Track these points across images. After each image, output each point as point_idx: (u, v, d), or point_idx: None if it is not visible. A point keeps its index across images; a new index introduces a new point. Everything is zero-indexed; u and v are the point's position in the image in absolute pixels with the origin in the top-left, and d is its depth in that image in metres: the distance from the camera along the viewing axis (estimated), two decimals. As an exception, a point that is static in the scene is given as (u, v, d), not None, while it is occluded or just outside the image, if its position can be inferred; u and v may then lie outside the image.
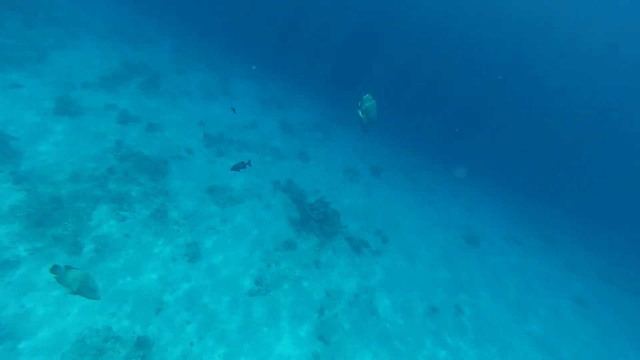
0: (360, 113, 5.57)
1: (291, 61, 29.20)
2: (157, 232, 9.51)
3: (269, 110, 18.95)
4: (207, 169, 12.50)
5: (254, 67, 16.40)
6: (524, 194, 26.83)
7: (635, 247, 24.79)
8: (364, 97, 5.43)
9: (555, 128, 38.18)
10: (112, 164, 10.65)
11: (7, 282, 7.32)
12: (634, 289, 18.56)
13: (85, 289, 4.63)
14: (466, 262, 14.31)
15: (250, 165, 7.64)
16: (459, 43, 38.95)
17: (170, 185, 11.04)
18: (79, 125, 11.81)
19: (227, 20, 32.69)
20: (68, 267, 4.67)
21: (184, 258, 9.23)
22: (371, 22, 39.60)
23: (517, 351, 10.96)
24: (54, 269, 4.59)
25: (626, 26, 29.38)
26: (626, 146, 37.32)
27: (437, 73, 39.70)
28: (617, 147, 37.84)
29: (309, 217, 11.85)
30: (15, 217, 8.31)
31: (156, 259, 8.89)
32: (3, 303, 6.97)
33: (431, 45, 40.31)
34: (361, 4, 38.07)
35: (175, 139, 13.14)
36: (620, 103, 35.84)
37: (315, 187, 14.32)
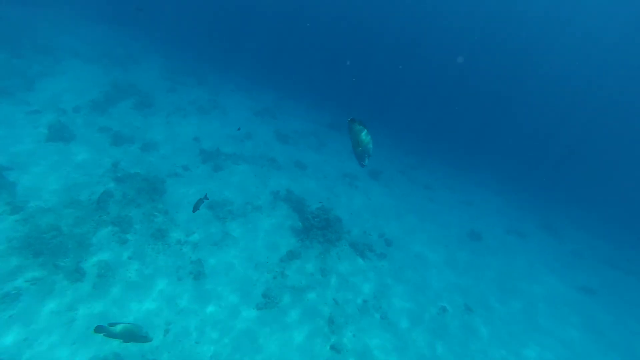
0: (358, 150, 4.52)
1: (280, 71, 29.32)
2: (160, 252, 9.41)
3: (263, 121, 18.96)
4: (206, 184, 12.42)
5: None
6: (523, 185, 26.90)
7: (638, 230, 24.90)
8: (353, 127, 4.51)
9: (551, 116, 38.52)
10: (110, 186, 10.55)
11: (9, 315, 7.18)
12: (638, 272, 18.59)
13: (137, 338, 4.84)
14: (471, 259, 14.25)
15: (207, 198, 7.42)
16: (452, 39, 39.39)
17: (170, 204, 10.95)
18: (73, 151, 11.72)
19: (213, 34, 32.84)
20: (112, 324, 4.87)
21: (189, 276, 9.12)
22: (362, 23, 39.92)
23: (530, 344, 10.88)
24: (99, 329, 4.76)
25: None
26: (627, 130, 37.60)
27: (429, 71, 40.01)
28: (617, 132, 38.13)
29: (312, 225, 11.78)
30: (14, 248, 8.18)
31: (161, 279, 8.77)
32: (6, 337, 6.82)
33: (423, 42, 40.73)
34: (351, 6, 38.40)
35: (171, 157, 13.07)
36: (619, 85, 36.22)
37: (315, 195, 14.26)
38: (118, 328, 4.83)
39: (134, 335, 4.86)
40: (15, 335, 6.87)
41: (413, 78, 40.11)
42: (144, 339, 4.87)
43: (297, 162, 16.19)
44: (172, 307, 8.31)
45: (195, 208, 7.02)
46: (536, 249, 17.46)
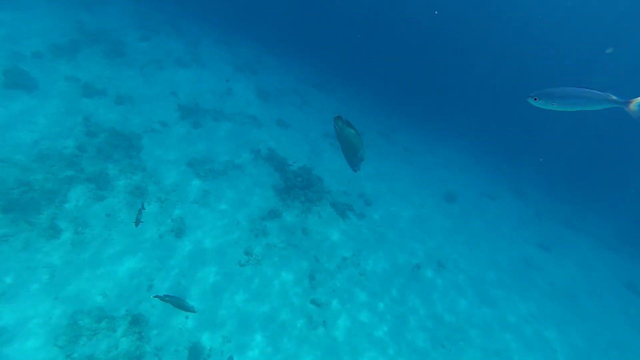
0: (349, 155, 4.14)
1: (262, 24, 27.59)
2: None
3: (243, 77, 18.14)
4: (185, 141, 12.04)
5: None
6: (498, 150, 27.74)
7: (594, 194, 26.79)
8: (341, 129, 4.09)
9: (526, 84, 38.97)
10: (82, 141, 10.03)
11: (-16, 271, 7.02)
12: (590, 231, 20.32)
13: (184, 308, 5.79)
14: (445, 220, 14.94)
15: (144, 208, 7.06)
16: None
17: (148, 161, 10.60)
18: (37, 101, 10.89)
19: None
20: (167, 295, 5.80)
21: (170, 234, 9.10)
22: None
23: (494, 297, 11.87)
24: (157, 297, 5.76)
25: None
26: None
27: (412, 31, 38.88)
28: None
29: (293, 185, 11.85)
30: (-18, 203, 7.81)
31: (142, 237, 8.71)
32: (-16, 293, 6.72)
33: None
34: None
35: (148, 111, 12.43)
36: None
37: (297, 154, 14.18)
38: (170, 299, 5.77)
39: (181, 305, 5.77)
40: (-7, 291, 6.78)
41: (397, 38, 38.99)
42: (190, 309, 5.80)
43: (279, 121, 15.86)
44: (155, 264, 8.35)
45: (137, 221, 6.72)
46: (504, 210, 18.47)
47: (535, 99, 3.70)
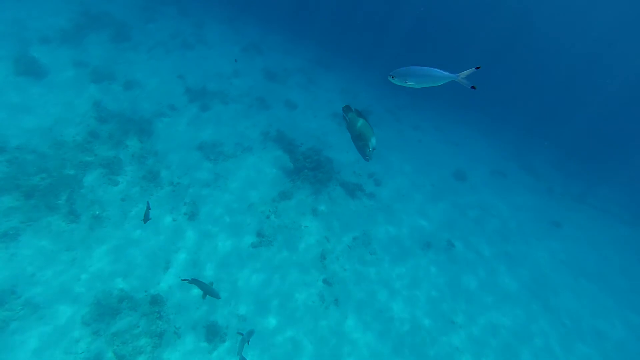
0: (360, 144, 4.19)
1: (266, 1, 26.91)
2: (153, 194, 9.46)
3: (249, 57, 17.91)
4: (194, 125, 12.10)
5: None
6: (508, 125, 27.10)
7: (605, 169, 26.20)
8: (351, 119, 4.19)
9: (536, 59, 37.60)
10: (94, 127, 10.17)
11: (11, 253, 7.35)
12: (603, 207, 20.03)
13: (210, 293, 6.13)
14: (455, 198, 14.89)
15: (149, 208, 6.96)
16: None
17: (159, 145, 10.73)
18: (48, 87, 11.01)
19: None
20: (194, 279, 6.18)
21: (183, 217, 9.33)
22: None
23: (503, 275, 11.98)
24: (185, 279, 6.29)
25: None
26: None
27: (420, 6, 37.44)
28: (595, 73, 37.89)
29: (303, 166, 11.88)
30: (4, 189, 8.08)
31: (156, 220, 8.95)
32: (14, 273, 7.07)
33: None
34: None
35: (156, 95, 12.46)
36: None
37: (306, 135, 14.15)
38: (197, 283, 6.13)
39: (207, 290, 6.12)
40: (23, 273, 7.12)
41: (402, 13, 37.67)
42: (215, 295, 6.16)
43: (287, 102, 15.75)
44: (170, 247, 8.62)
45: (145, 218, 6.78)
46: (516, 187, 18.29)
47: (392, 77, 3.87)
